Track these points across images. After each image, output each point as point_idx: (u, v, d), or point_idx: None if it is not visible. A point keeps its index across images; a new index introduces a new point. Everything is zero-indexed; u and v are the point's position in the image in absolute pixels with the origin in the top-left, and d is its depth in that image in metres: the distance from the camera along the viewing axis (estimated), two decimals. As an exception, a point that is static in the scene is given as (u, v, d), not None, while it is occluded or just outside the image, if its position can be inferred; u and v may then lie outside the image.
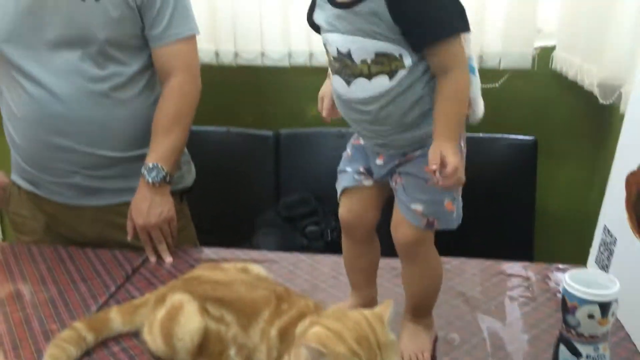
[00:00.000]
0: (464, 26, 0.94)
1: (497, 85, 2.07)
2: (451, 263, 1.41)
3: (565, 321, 0.95)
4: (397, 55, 0.92)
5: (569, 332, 0.94)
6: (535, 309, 1.27)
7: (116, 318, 1.15)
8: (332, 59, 1.00)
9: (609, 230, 1.33)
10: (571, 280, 0.93)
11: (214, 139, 2.21)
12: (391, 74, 0.93)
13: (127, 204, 1.48)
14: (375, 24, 0.91)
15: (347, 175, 1.11)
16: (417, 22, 0.89)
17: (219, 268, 1.13)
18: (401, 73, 0.93)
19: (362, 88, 0.96)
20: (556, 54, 2.04)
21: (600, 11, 1.69)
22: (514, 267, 1.42)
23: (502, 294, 1.31)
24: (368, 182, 1.09)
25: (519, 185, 2.08)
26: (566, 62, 1.95)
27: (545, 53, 2.06)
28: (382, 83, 0.94)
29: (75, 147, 1.44)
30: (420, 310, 1.15)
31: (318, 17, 1.01)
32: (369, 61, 0.93)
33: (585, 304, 0.90)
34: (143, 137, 1.48)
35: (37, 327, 1.18)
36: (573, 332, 0.93)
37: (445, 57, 0.92)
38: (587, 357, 0.93)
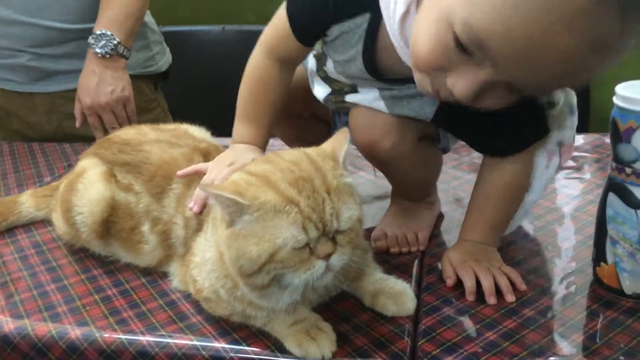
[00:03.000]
0: None
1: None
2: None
3: (616, 157, 0.63)
4: None
5: (621, 172, 0.62)
6: (581, 181, 0.95)
7: (27, 201, 0.91)
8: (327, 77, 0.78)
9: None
10: (625, 91, 0.60)
11: (208, 38, 1.94)
12: None
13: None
14: None
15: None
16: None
17: (136, 127, 0.85)
18: None
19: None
20: None
21: None
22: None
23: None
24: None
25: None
26: None
27: None
28: None
29: (17, 18, 1.20)
30: (415, 195, 0.85)
31: (336, 51, 0.73)
32: None
33: (647, 122, 0.58)
34: (97, 5, 1.22)
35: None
36: (628, 172, 0.61)
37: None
38: (650, 206, 0.61)
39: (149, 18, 1.36)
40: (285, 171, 0.57)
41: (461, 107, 0.60)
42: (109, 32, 1.18)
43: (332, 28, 0.71)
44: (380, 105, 0.72)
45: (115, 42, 1.18)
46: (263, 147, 0.79)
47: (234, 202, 0.54)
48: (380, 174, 0.86)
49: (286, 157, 0.60)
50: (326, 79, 0.80)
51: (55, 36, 1.24)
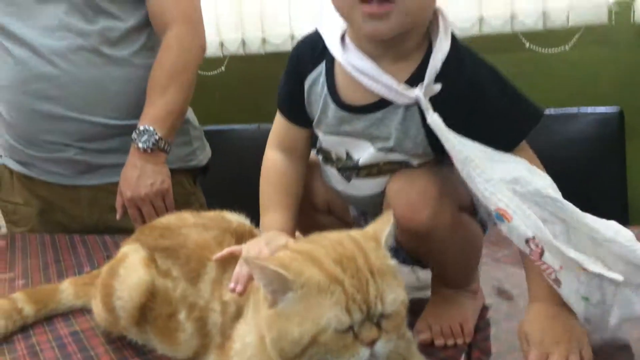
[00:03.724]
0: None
1: (567, 47, 1.74)
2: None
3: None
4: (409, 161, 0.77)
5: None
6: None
7: (68, 289, 0.92)
8: (329, 156, 0.82)
9: None
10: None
11: (245, 136, 2.01)
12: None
13: (127, 183, 1.27)
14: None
15: None
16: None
17: (177, 214, 0.87)
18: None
19: (365, 186, 0.80)
20: (638, 5, 1.69)
21: None
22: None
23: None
24: None
25: (605, 165, 1.70)
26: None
27: (625, 4, 1.72)
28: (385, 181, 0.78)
29: (66, 114, 1.26)
30: (456, 279, 0.83)
31: (314, 110, 0.79)
32: (378, 165, 0.78)
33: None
34: (143, 103, 1.28)
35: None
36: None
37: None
38: None
39: (190, 115, 1.42)
40: (329, 249, 0.57)
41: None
42: (151, 128, 1.23)
43: (304, 90, 0.78)
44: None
45: (156, 137, 1.23)
46: (291, 232, 0.79)
47: (277, 275, 0.53)
48: (423, 275, 0.85)
49: (328, 236, 0.60)
50: (327, 160, 0.82)
51: (102, 131, 1.29)
